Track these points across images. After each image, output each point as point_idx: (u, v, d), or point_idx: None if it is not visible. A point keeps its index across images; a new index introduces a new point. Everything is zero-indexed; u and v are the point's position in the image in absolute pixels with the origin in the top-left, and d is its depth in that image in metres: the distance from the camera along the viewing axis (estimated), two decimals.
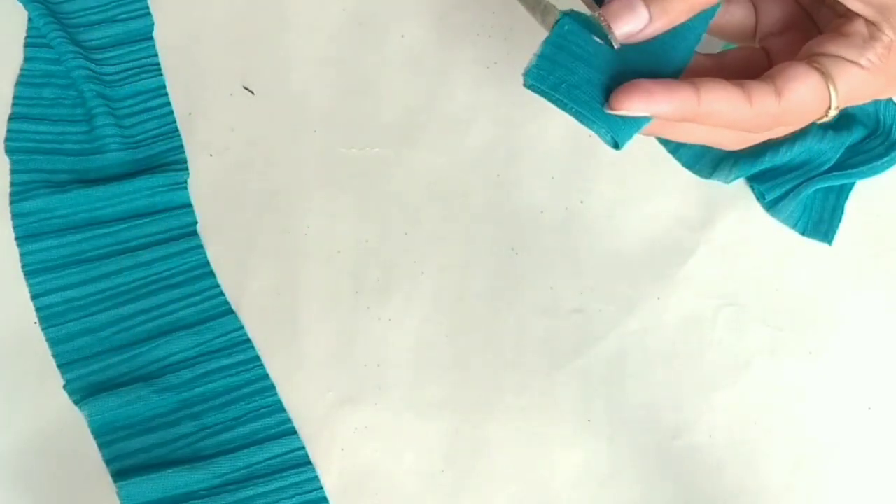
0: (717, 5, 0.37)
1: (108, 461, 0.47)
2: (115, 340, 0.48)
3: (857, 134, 0.48)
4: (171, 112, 0.52)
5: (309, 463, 0.47)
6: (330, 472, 0.47)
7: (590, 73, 0.35)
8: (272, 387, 0.48)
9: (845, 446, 0.47)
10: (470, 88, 0.52)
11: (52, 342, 0.48)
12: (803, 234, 0.50)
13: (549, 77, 0.35)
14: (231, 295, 0.49)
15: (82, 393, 0.47)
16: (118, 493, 0.46)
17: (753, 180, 0.49)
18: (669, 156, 0.50)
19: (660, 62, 0.36)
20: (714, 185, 0.50)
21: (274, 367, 0.48)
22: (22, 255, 0.49)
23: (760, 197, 0.50)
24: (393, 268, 0.50)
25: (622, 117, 0.35)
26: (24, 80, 0.52)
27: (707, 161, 0.49)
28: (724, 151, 0.48)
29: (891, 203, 0.50)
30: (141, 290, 0.49)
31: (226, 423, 0.47)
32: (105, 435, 0.47)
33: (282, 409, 0.48)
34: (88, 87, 0.51)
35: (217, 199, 0.51)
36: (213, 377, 0.48)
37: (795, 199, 0.48)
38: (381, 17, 0.53)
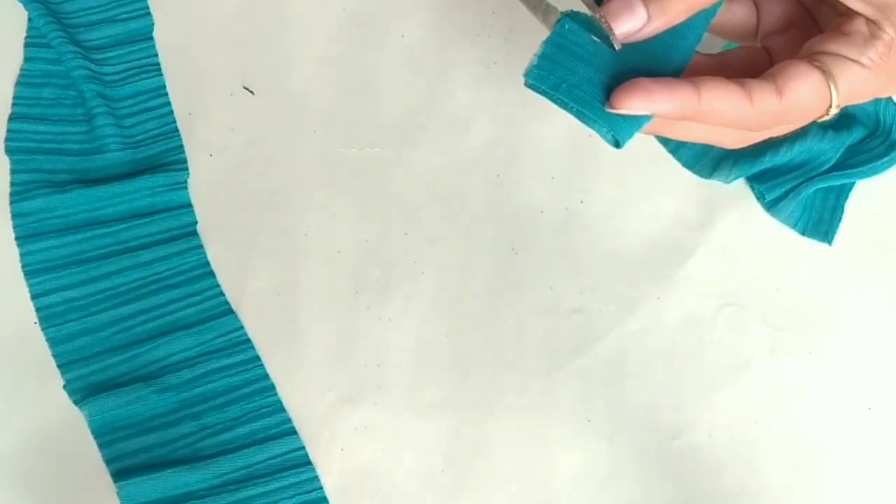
0: (718, 4, 0.37)
1: (108, 461, 0.47)
2: (115, 340, 0.48)
3: (857, 134, 0.48)
4: (171, 112, 0.52)
5: (309, 463, 0.47)
6: (330, 472, 0.47)
7: (590, 73, 0.35)
8: (272, 387, 0.48)
9: (845, 446, 0.47)
10: (470, 88, 0.52)
11: (52, 342, 0.48)
12: (803, 234, 0.50)
13: (549, 77, 0.35)
14: (231, 295, 0.49)
15: (82, 393, 0.47)
16: (118, 493, 0.46)
17: (753, 180, 0.49)
18: (669, 156, 0.50)
19: (660, 61, 0.36)
20: (714, 185, 0.50)
21: (274, 367, 0.48)
22: (22, 255, 0.49)
23: (760, 197, 0.50)
24: (393, 268, 0.50)
25: (623, 116, 0.35)
26: (24, 80, 0.52)
27: (707, 161, 0.49)
28: (724, 151, 0.48)
29: (891, 203, 0.50)
30: (141, 290, 0.49)
31: (226, 423, 0.47)
32: (105, 435, 0.47)
33: (282, 409, 0.48)
34: (88, 87, 0.51)
35: (217, 199, 0.51)
36: (213, 377, 0.48)
37: (795, 199, 0.48)
38: (381, 17, 0.53)
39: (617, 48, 0.35)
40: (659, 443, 0.47)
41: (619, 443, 0.47)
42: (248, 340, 0.49)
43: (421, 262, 0.50)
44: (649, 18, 0.35)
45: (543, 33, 0.37)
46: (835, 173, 0.48)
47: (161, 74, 0.52)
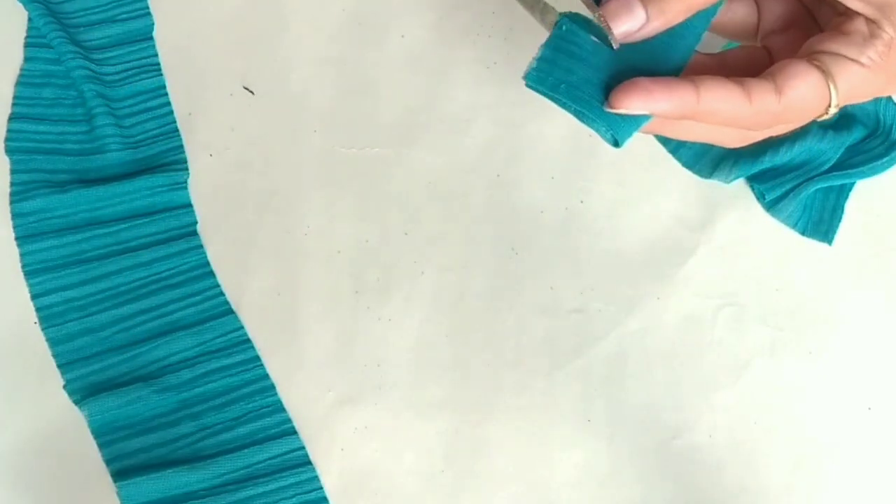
0: (718, 4, 0.37)
1: (108, 461, 0.47)
2: (115, 340, 0.48)
3: (857, 134, 0.48)
4: (171, 112, 0.52)
5: (309, 463, 0.47)
6: (330, 472, 0.47)
7: (589, 73, 0.35)
8: (272, 387, 0.48)
9: (845, 446, 0.47)
10: (470, 88, 0.52)
11: (52, 342, 0.48)
12: (803, 234, 0.50)
13: (548, 78, 0.35)
14: (231, 295, 0.49)
15: (82, 393, 0.47)
16: (118, 493, 0.46)
17: (753, 180, 0.49)
18: (669, 156, 0.50)
19: (659, 61, 0.36)
20: (714, 185, 0.50)
21: (274, 367, 0.48)
22: (22, 255, 0.49)
23: (760, 197, 0.50)
24: (393, 268, 0.50)
25: (622, 115, 0.35)
26: (24, 80, 0.52)
27: (707, 161, 0.49)
28: (724, 151, 0.48)
29: (891, 203, 0.50)
30: (141, 290, 0.49)
31: (226, 423, 0.47)
32: (105, 435, 0.47)
33: (282, 409, 0.48)
34: (88, 87, 0.51)
35: (217, 199, 0.51)
36: (213, 377, 0.48)
37: (795, 199, 0.48)
38: (381, 17, 0.53)
39: (615, 47, 0.35)
40: (659, 443, 0.47)
41: (619, 443, 0.47)
42: (248, 340, 0.49)
43: (421, 262, 0.50)
44: (648, 19, 0.35)
45: (543, 33, 0.37)
46: (835, 173, 0.48)
47: (161, 74, 0.52)
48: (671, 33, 0.36)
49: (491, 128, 0.51)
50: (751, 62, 0.40)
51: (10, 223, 0.49)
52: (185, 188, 0.51)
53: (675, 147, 0.50)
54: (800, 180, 0.48)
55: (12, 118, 0.51)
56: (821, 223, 0.49)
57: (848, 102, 0.37)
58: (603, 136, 0.36)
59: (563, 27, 0.36)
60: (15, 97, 0.51)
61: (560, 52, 0.36)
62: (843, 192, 0.49)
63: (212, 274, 0.50)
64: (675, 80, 0.35)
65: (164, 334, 0.48)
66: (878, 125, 0.49)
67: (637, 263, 0.50)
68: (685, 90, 0.34)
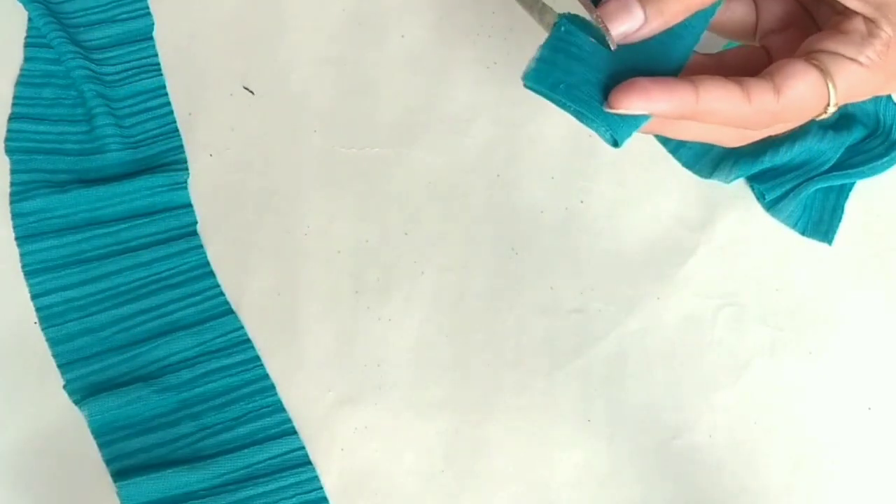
0: (717, 4, 0.37)
1: (108, 461, 0.47)
2: (115, 340, 0.48)
3: (857, 134, 0.48)
4: (171, 112, 0.52)
5: (309, 463, 0.47)
6: (330, 472, 0.47)
7: (588, 73, 0.35)
8: (272, 387, 0.48)
9: (845, 446, 0.47)
10: (470, 88, 0.52)
11: (52, 342, 0.48)
12: (803, 234, 0.50)
13: (547, 78, 0.35)
14: (231, 295, 0.49)
15: (82, 393, 0.47)
16: (118, 493, 0.46)
17: (753, 180, 0.49)
18: (669, 156, 0.50)
19: (658, 61, 0.36)
20: (714, 185, 0.50)
21: (274, 367, 0.48)
22: (22, 255, 0.49)
23: (760, 197, 0.50)
24: (393, 268, 0.50)
25: (621, 116, 0.35)
26: (24, 80, 0.52)
27: (707, 161, 0.49)
28: (724, 151, 0.49)
29: (891, 203, 0.50)
30: (141, 290, 0.49)
31: (226, 423, 0.47)
32: (105, 435, 0.47)
33: (282, 409, 0.48)
34: (88, 87, 0.51)
35: (217, 199, 0.51)
36: (213, 377, 0.48)
37: (795, 199, 0.48)
38: (381, 17, 0.53)
39: (612, 48, 0.35)
40: (659, 443, 0.47)
41: (619, 443, 0.47)
42: (248, 340, 0.49)
43: (421, 262, 0.50)
44: (647, 19, 0.35)
45: (543, 33, 0.37)
46: (835, 173, 0.48)
47: (161, 74, 0.52)
48: (670, 33, 0.36)
49: (491, 128, 0.51)
50: (749, 62, 0.40)
51: (10, 223, 0.49)
52: (185, 188, 0.51)
53: (675, 147, 0.50)
54: (800, 180, 0.48)
55: (12, 118, 0.51)
56: (821, 223, 0.49)
57: (847, 101, 0.37)
58: (602, 137, 0.36)
59: (562, 28, 0.36)
60: (15, 97, 0.51)
61: (559, 52, 0.36)
62: (843, 192, 0.49)
63: (212, 274, 0.50)
64: (675, 80, 0.35)
65: (164, 334, 0.48)
66: (878, 125, 0.49)
67: (637, 263, 0.50)
68: (684, 90, 0.34)
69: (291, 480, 0.47)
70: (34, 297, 0.49)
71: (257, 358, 0.49)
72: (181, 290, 0.49)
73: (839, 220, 0.49)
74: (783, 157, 0.47)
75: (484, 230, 0.50)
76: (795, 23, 0.40)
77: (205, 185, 0.51)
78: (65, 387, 0.48)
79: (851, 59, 0.36)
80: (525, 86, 0.36)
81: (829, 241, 0.49)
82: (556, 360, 0.48)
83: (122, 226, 0.50)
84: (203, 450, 0.47)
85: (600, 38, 0.35)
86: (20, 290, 0.49)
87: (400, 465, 0.47)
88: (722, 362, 0.48)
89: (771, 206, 0.49)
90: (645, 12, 0.35)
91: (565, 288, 0.49)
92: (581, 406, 0.48)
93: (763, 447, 0.47)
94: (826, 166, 0.48)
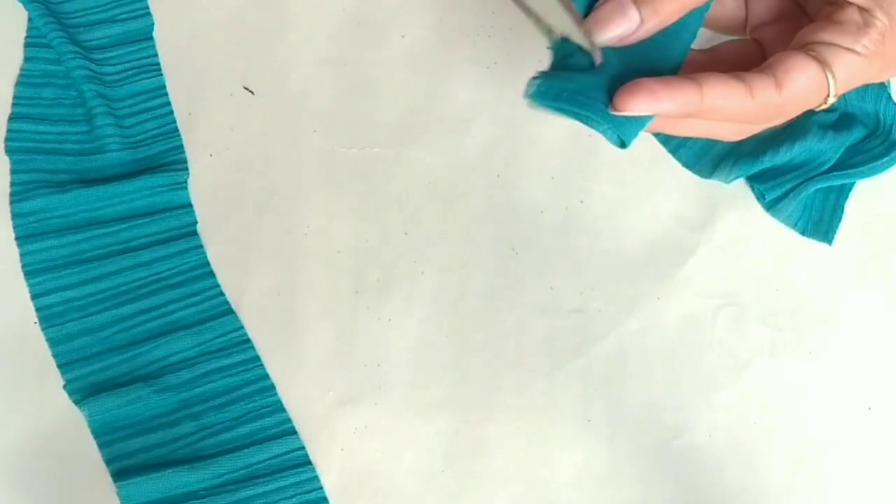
0: (711, 1, 0.37)
1: (108, 461, 0.47)
2: (115, 340, 0.48)
3: (857, 134, 0.48)
4: (171, 112, 0.52)
5: (309, 463, 0.47)
6: (330, 472, 0.47)
7: (589, 80, 0.36)
8: (272, 387, 0.48)
9: (845, 446, 0.47)
10: (470, 88, 0.52)
11: (52, 342, 0.48)
12: (803, 234, 0.50)
13: (549, 91, 0.36)
14: (231, 295, 0.49)
15: (82, 393, 0.47)
16: (118, 493, 0.46)
17: (753, 180, 0.49)
18: (669, 155, 0.50)
19: (656, 61, 0.37)
20: (714, 185, 0.50)
21: (274, 367, 0.48)
22: (22, 255, 0.49)
23: (760, 197, 0.50)
24: (393, 268, 0.50)
25: (627, 117, 0.35)
26: (24, 80, 0.52)
27: (707, 161, 0.49)
28: (724, 151, 0.49)
29: (891, 203, 0.50)
30: (141, 290, 0.49)
31: (226, 423, 0.47)
32: (105, 435, 0.47)
33: (282, 409, 0.48)
34: (88, 87, 0.51)
35: (217, 199, 0.51)
36: (213, 377, 0.48)
37: (795, 199, 0.48)
38: (381, 17, 0.53)
39: (597, 63, 0.36)
40: (659, 443, 0.47)
41: (619, 443, 0.47)
42: (248, 340, 0.49)
43: (421, 262, 0.50)
44: (642, 20, 0.35)
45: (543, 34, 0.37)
46: (835, 173, 0.48)
47: (161, 74, 0.52)
48: (666, 33, 0.36)
49: (491, 128, 0.51)
50: (743, 55, 0.40)
51: (10, 223, 0.49)
52: (185, 188, 0.51)
53: (675, 147, 0.50)
54: (800, 180, 0.48)
55: (12, 118, 0.51)
56: (821, 223, 0.49)
57: (845, 91, 0.37)
58: (609, 139, 0.36)
59: (559, 54, 0.36)
60: (15, 97, 0.51)
61: (559, 69, 0.36)
62: (843, 192, 0.49)
63: (212, 274, 0.50)
64: (678, 79, 0.35)
65: (164, 334, 0.48)
66: (878, 125, 0.49)
67: (637, 263, 0.50)
68: (688, 89, 0.35)
69: (291, 480, 0.47)
70: (34, 297, 0.49)
71: (257, 358, 0.49)
72: (181, 290, 0.49)
73: (839, 220, 0.49)
74: (783, 157, 0.47)
75: (484, 230, 0.50)
76: (786, 14, 0.41)
77: (205, 185, 0.51)
78: (65, 387, 0.48)
79: (849, 50, 0.36)
80: (530, 104, 0.36)
81: (829, 241, 0.49)
82: (556, 360, 0.48)
83: (122, 226, 0.50)
84: (203, 450, 0.47)
85: (588, 55, 0.36)
86: (20, 290, 0.49)
87: (400, 465, 0.47)
88: (722, 362, 0.48)
89: (771, 206, 0.49)
90: (640, 13, 0.35)
91: (565, 288, 0.49)
92: (581, 406, 0.48)
93: (763, 447, 0.47)
94: (826, 166, 0.48)
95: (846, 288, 0.49)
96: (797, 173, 0.48)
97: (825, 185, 0.48)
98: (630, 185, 0.51)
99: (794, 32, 0.38)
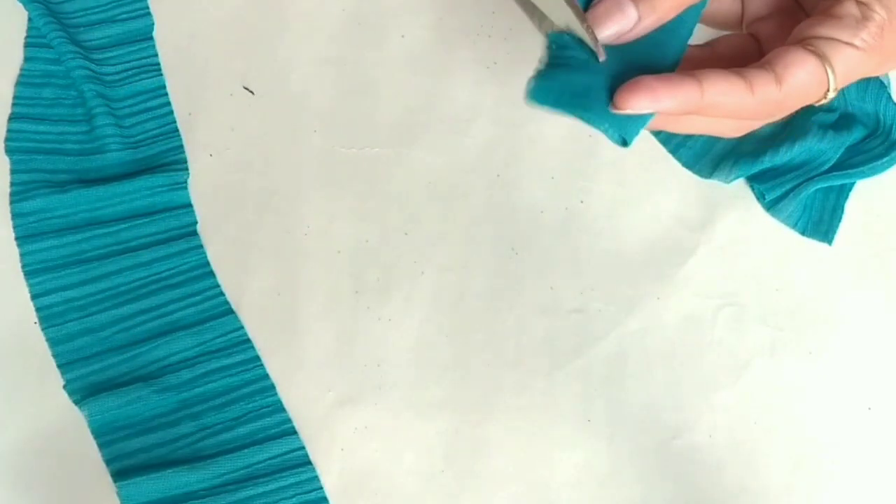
0: None
1: (108, 461, 0.47)
2: (115, 340, 0.48)
3: (857, 134, 0.48)
4: (171, 112, 0.52)
5: (309, 463, 0.47)
6: (330, 472, 0.47)
7: (588, 79, 0.36)
8: (272, 387, 0.48)
9: (845, 446, 0.47)
10: (470, 88, 0.52)
11: (52, 342, 0.48)
12: (803, 234, 0.50)
13: (549, 92, 0.36)
14: (231, 295, 0.49)
15: (82, 393, 0.47)
16: (118, 493, 0.46)
17: (753, 180, 0.49)
18: (669, 156, 0.50)
19: (654, 58, 0.37)
20: (714, 185, 0.50)
21: (274, 367, 0.48)
22: (22, 255, 0.49)
23: (760, 197, 0.50)
24: (393, 268, 0.50)
25: (628, 115, 0.35)
26: (24, 80, 0.52)
27: (707, 161, 0.49)
28: (724, 151, 0.49)
29: (891, 203, 0.50)
30: (141, 290, 0.49)
31: (226, 423, 0.47)
32: (105, 435, 0.47)
33: (282, 409, 0.48)
34: (88, 87, 0.51)
35: (217, 199, 0.51)
36: (213, 377, 0.48)
37: (795, 199, 0.48)
38: (381, 17, 0.53)
39: (601, 59, 0.35)
40: (659, 443, 0.47)
41: (619, 443, 0.47)
42: (248, 340, 0.49)
43: (421, 262, 0.50)
44: (640, 17, 0.35)
45: (543, 35, 0.37)
46: (835, 173, 0.48)
47: (161, 74, 0.52)
48: (664, 30, 0.36)
49: (491, 128, 0.51)
50: (739, 50, 0.40)
51: (10, 223, 0.49)
52: (185, 188, 0.51)
53: (675, 147, 0.50)
54: (800, 180, 0.48)
55: (12, 118, 0.51)
56: (821, 223, 0.49)
57: (845, 85, 0.37)
58: (611, 138, 0.36)
59: (553, 46, 0.36)
60: (15, 97, 0.51)
61: (556, 67, 0.36)
62: (843, 192, 0.49)
63: (212, 274, 0.50)
64: (679, 76, 0.35)
65: (164, 334, 0.48)
66: (878, 125, 0.49)
67: (637, 263, 0.50)
68: (689, 86, 0.35)
69: (291, 480, 0.47)
70: (34, 297, 0.49)
71: (257, 358, 0.48)
72: (181, 290, 0.49)
73: (839, 220, 0.49)
74: (783, 157, 0.47)
75: (484, 230, 0.50)
76: (782, 9, 0.41)
77: (205, 185, 0.51)
78: (65, 387, 0.48)
79: (847, 44, 0.36)
80: (529, 103, 0.36)
81: (829, 241, 0.49)
82: (556, 360, 0.48)
83: (122, 226, 0.50)
84: (203, 450, 0.47)
85: (589, 50, 0.36)
86: (20, 290, 0.49)
87: (400, 465, 0.47)
88: (722, 362, 0.48)
89: (771, 206, 0.49)
90: (638, 10, 0.35)
91: (565, 288, 0.49)
92: (581, 406, 0.48)
93: (763, 447, 0.47)
94: (826, 166, 0.48)
95: (846, 288, 0.49)
96: (797, 173, 0.48)
97: (825, 185, 0.48)
98: (630, 185, 0.50)
99: (791, 27, 0.38)
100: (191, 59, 0.53)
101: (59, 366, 0.48)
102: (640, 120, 0.36)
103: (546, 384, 0.48)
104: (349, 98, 0.52)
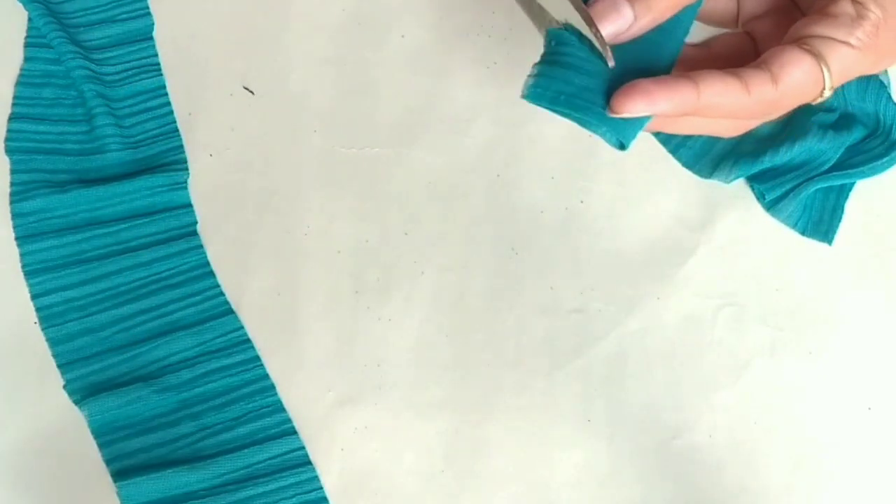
0: None
1: (108, 461, 0.47)
2: (115, 340, 0.48)
3: (857, 134, 0.48)
4: (171, 112, 0.52)
5: (309, 463, 0.47)
6: (330, 472, 0.47)
7: (586, 80, 0.36)
8: (272, 387, 0.48)
9: (845, 446, 0.47)
10: (470, 88, 0.52)
11: (52, 342, 0.48)
12: (803, 234, 0.49)
13: (546, 92, 0.36)
14: (231, 295, 0.49)
15: (82, 393, 0.47)
16: (118, 493, 0.46)
17: (753, 180, 0.49)
18: (669, 155, 0.50)
19: (651, 58, 0.37)
20: (714, 185, 0.50)
21: (274, 367, 0.48)
22: (22, 255, 0.49)
23: (760, 197, 0.50)
24: (393, 268, 0.50)
25: (625, 119, 0.35)
26: (24, 80, 0.52)
27: (707, 161, 0.49)
28: (724, 151, 0.49)
29: (891, 203, 0.50)
30: (141, 290, 0.49)
31: (226, 423, 0.47)
32: (105, 435, 0.47)
33: (282, 409, 0.48)
34: (88, 87, 0.51)
35: (217, 199, 0.51)
36: (213, 377, 0.48)
37: (795, 199, 0.48)
38: (381, 17, 0.53)
39: (611, 65, 0.35)
40: (659, 443, 0.47)
41: (619, 443, 0.47)
42: (248, 340, 0.49)
43: (421, 262, 0.50)
44: (636, 17, 0.35)
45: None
46: (835, 173, 0.48)
47: (161, 74, 0.52)
48: (660, 30, 0.36)
49: (491, 128, 0.51)
50: (736, 48, 0.41)
51: (10, 223, 0.49)
52: (185, 188, 0.51)
53: (675, 147, 0.50)
54: (800, 180, 0.48)
55: (12, 118, 0.51)
56: (821, 223, 0.49)
57: (841, 83, 0.37)
58: (608, 141, 0.36)
59: (552, 42, 0.36)
60: (15, 97, 0.51)
61: (554, 65, 0.36)
62: (843, 192, 0.49)
63: (212, 274, 0.50)
64: (675, 78, 0.35)
65: (164, 334, 0.48)
66: (878, 125, 0.49)
67: (637, 263, 0.50)
68: (685, 88, 0.35)
69: (291, 480, 0.47)
70: (34, 297, 0.49)
71: (257, 358, 0.48)
72: (181, 290, 0.49)
73: (839, 220, 0.49)
74: (783, 157, 0.47)
75: (484, 230, 0.50)
76: (778, 8, 0.41)
77: (205, 185, 0.51)
78: (65, 387, 0.48)
79: (843, 42, 0.36)
80: (525, 99, 0.36)
81: (829, 241, 0.49)
82: (556, 360, 0.48)
83: (122, 226, 0.50)
84: (203, 450, 0.47)
85: (596, 52, 0.36)
86: (20, 290, 0.49)
87: (400, 465, 0.47)
88: (722, 362, 0.48)
89: (771, 206, 0.49)
90: (634, 10, 0.35)
91: (565, 288, 0.49)
92: (581, 406, 0.48)
93: (763, 447, 0.47)
94: (826, 166, 0.48)
95: (846, 288, 0.49)
96: (797, 173, 0.48)
97: (825, 185, 0.48)
98: (630, 185, 0.50)
99: (787, 25, 0.38)
100: (191, 59, 0.53)
101: (59, 366, 0.48)
102: (637, 123, 0.36)
103: (546, 384, 0.48)
104: (349, 98, 0.52)
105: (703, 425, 0.47)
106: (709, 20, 0.42)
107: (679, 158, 0.50)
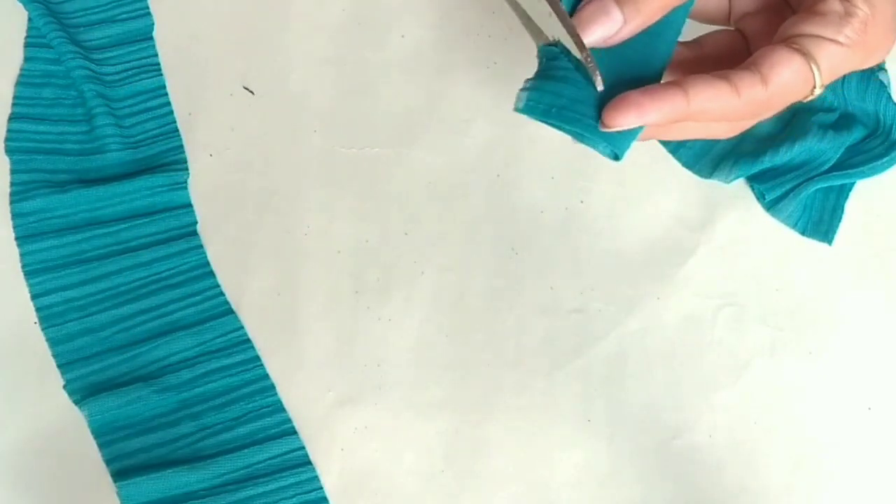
0: None
1: (108, 461, 0.47)
2: (115, 340, 0.48)
3: (857, 134, 0.48)
4: (171, 112, 0.52)
5: (309, 463, 0.47)
6: (330, 472, 0.47)
7: (577, 92, 0.36)
8: (272, 387, 0.48)
9: (845, 446, 0.47)
10: (470, 88, 0.52)
11: (52, 342, 0.48)
12: (803, 234, 0.50)
13: (538, 105, 0.36)
14: (231, 295, 0.49)
15: (82, 393, 0.47)
16: (118, 493, 0.46)
17: (753, 180, 0.49)
18: (669, 155, 0.50)
19: (643, 62, 0.37)
20: (714, 185, 0.50)
21: (274, 367, 0.48)
22: (22, 255, 0.49)
23: (760, 197, 0.50)
24: (393, 268, 0.50)
25: (617, 131, 0.35)
26: (24, 80, 0.52)
27: (707, 161, 0.49)
28: (724, 151, 0.49)
29: (891, 203, 0.50)
30: (141, 290, 0.49)
31: (226, 423, 0.47)
32: (105, 435, 0.47)
33: (282, 409, 0.48)
34: (88, 87, 0.51)
35: (217, 199, 0.51)
36: (213, 377, 0.48)
37: (795, 199, 0.48)
38: (381, 17, 0.53)
39: (599, 89, 0.35)
40: (659, 443, 0.47)
41: (619, 443, 0.47)
42: (248, 340, 0.49)
43: (421, 262, 0.50)
44: (625, 20, 0.35)
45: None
46: (835, 173, 0.48)
47: (161, 74, 0.52)
48: (651, 32, 0.36)
49: (491, 128, 0.51)
50: (727, 46, 0.41)
51: (10, 223, 0.49)
52: (185, 188, 0.51)
53: (675, 147, 0.50)
54: (800, 180, 0.48)
55: (12, 118, 0.51)
56: (821, 223, 0.49)
57: (830, 81, 0.38)
58: (602, 153, 0.37)
59: (545, 59, 0.36)
60: (15, 97, 0.51)
61: (547, 79, 0.36)
62: (843, 192, 0.49)
63: (212, 274, 0.50)
64: (664, 87, 0.35)
65: (164, 334, 0.48)
66: (878, 125, 0.49)
67: (637, 263, 0.50)
68: (674, 96, 0.35)
69: (291, 480, 0.47)
70: (34, 297, 0.49)
71: (257, 358, 0.49)
72: (181, 290, 0.49)
73: (839, 220, 0.49)
74: (783, 157, 0.47)
75: (484, 230, 0.50)
76: (770, 5, 0.41)
77: (205, 185, 0.51)
78: (65, 387, 0.48)
79: (832, 40, 0.37)
80: (519, 112, 0.36)
81: (829, 241, 0.49)
82: (556, 360, 0.48)
83: (122, 226, 0.50)
84: (203, 450, 0.47)
85: (587, 77, 0.35)
86: (20, 290, 0.49)
87: (400, 465, 0.47)
88: (722, 362, 0.48)
89: (771, 206, 0.49)
90: (623, 13, 0.35)
91: (565, 288, 0.49)
92: (581, 406, 0.48)
93: (763, 447, 0.47)
94: (826, 166, 0.48)
95: (846, 288, 0.49)
96: (797, 173, 0.48)
97: (825, 185, 0.48)
98: (630, 185, 0.51)
99: (778, 22, 0.38)
100: (191, 59, 0.53)
101: (59, 366, 0.48)
102: (629, 134, 0.36)
103: (546, 384, 0.48)
104: (349, 98, 0.52)
105: (703, 425, 0.48)
106: (701, 18, 0.42)
107: (679, 158, 0.50)
